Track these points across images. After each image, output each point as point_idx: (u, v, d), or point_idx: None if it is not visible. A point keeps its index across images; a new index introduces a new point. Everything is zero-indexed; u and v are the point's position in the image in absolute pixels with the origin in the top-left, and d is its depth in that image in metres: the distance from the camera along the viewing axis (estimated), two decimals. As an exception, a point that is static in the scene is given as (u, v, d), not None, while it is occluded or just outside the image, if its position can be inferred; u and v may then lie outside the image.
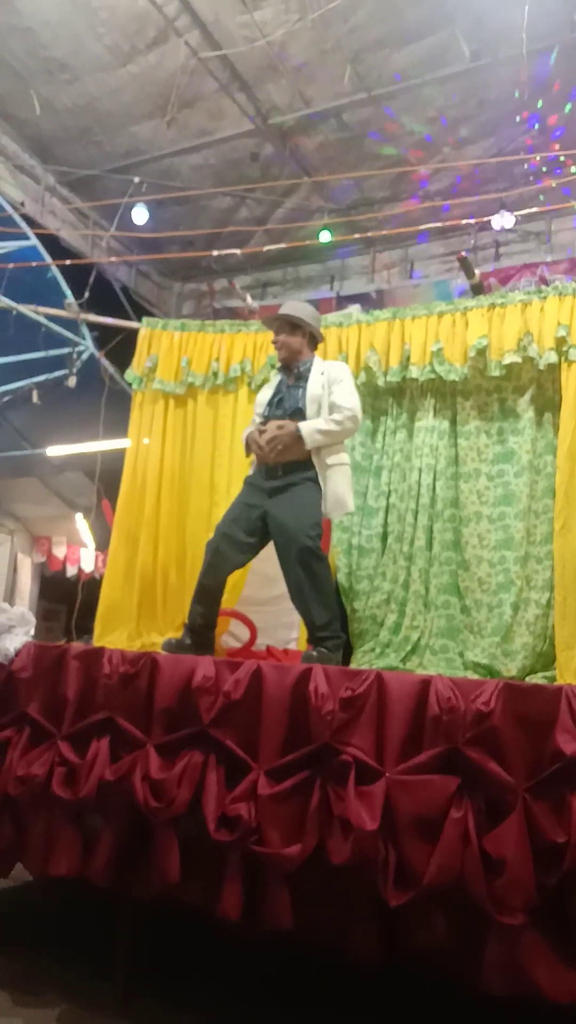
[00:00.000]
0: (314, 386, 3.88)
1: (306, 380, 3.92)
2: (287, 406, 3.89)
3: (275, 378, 4.09)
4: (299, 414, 3.83)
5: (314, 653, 3.55)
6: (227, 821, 2.75)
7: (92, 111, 5.59)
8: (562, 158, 5.21)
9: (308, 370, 3.95)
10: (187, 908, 2.89)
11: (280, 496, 3.79)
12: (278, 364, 4.06)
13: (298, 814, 2.69)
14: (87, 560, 8.21)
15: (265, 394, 4.03)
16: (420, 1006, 2.98)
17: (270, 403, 3.94)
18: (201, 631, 3.91)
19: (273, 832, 2.70)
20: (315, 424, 3.77)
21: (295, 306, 4.08)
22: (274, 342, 4.01)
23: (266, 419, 3.88)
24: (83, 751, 3.10)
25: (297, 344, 3.99)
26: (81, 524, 7.96)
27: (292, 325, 3.97)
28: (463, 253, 4.88)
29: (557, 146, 5.15)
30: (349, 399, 3.85)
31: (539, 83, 4.82)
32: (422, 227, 5.17)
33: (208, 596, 3.92)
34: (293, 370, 3.97)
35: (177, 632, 4.75)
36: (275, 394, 3.97)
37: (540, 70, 4.68)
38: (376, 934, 2.59)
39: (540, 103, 4.98)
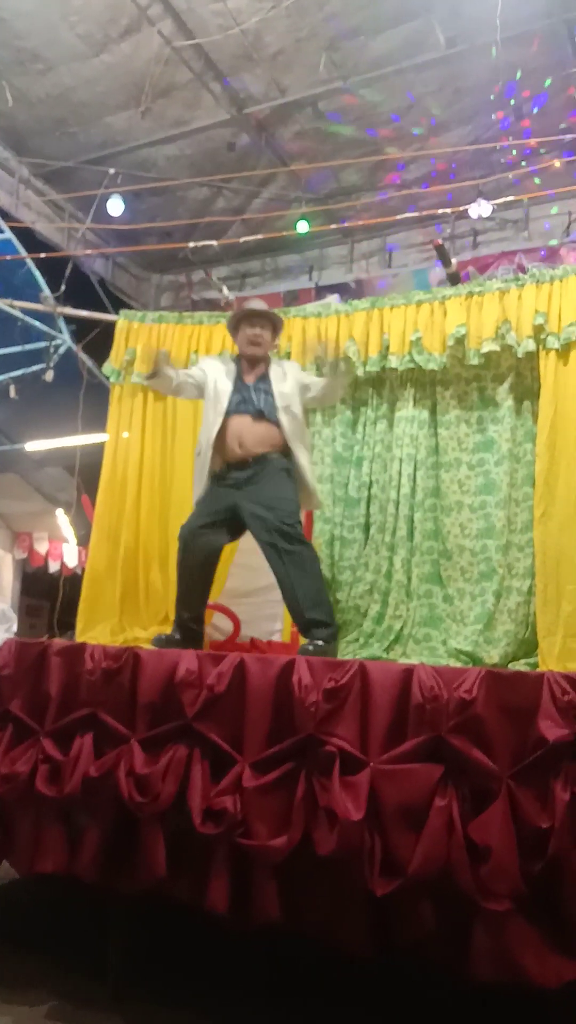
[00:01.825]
0: (281, 384, 3.93)
1: (268, 381, 3.95)
2: (256, 400, 3.88)
3: (219, 370, 4.01)
4: (272, 407, 3.87)
5: (310, 647, 3.53)
6: (213, 814, 2.75)
7: (66, 102, 5.52)
8: (542, 151, 5.21)
9: (271, 368, 4.00)
10: (176, 903, 2.89)
11: (251, 487, 3.79)
12: (237, 357, 4.04)
13: (283, 806, 2.70)
14: (69, 556, 8.17)
15: (221, 387, 3.93)
16: (411, 997, 2.99)
17: (233, 400, 3.88)
18: (190, 625, 3.90)
19: (259, 824, 2.70)
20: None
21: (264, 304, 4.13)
22: (256, 336, 3.95)
23: (228, 415, 3.85)
24: (67, 748, 3.09)
25: (271, 345, 4.06)
26: (62, 520, 7.91)
27: (274, 326, 4.03)
28: (439, 241, 4.87)
29: (533, 134, 5.15)
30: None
31: (513, 70, 4.81)
32: (399, 216, 5.15)
33: (192, 596, 3.91)
34: (255, 368, 3.98)
35: (160, 626, 4.75)
36: (235, 391, 3.91)
37: (514, 57, 4.67)
38: (365, 925, 2.60)
39: (515, 90, 4.97)
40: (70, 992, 3.07)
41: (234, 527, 3.89)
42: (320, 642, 3.56)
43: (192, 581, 3.90)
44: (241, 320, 4.03)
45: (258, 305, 4.12)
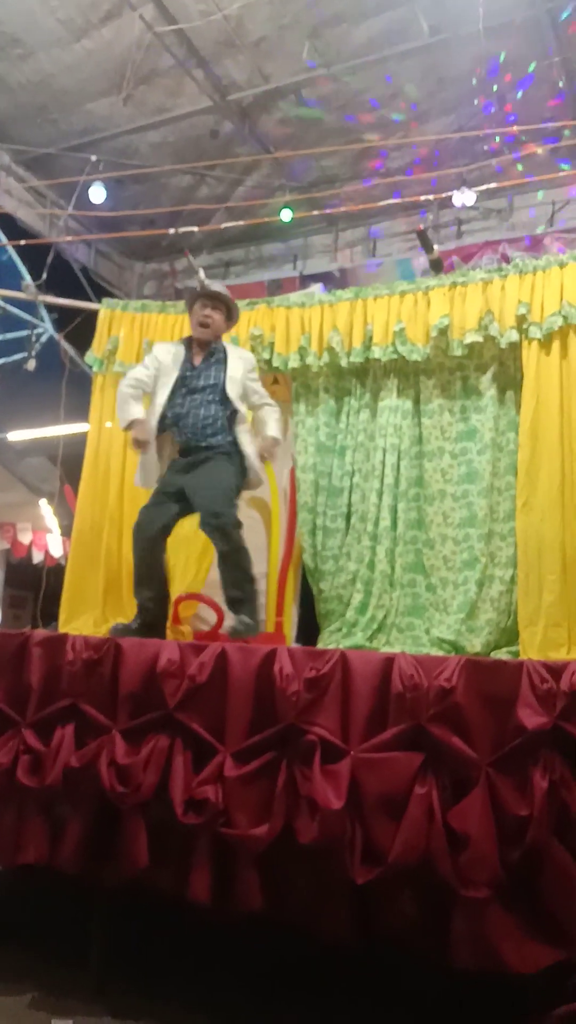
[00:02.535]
0: (235, 369, 3.97)
1: (221, 362, 3.98)
2: (203, 384, 3.91)
3: (168, 353, 4.03)
4: (220, 392, 3.90)
5: (238, 627, 3.65)
6: (194, 804, 2.75)
7: (47, 88, 5.45)
8: (523, 138, 5.20)
9: (222, 352, 4.02)
10: (158, 893, 2.89)
11: (196, 470, 3.87)
12: (188, 339, 4.06)
13: (265, 795, 2.70)
14: (54, 546, 8.13)
15: (168, 370, 3.95)
16: (395, 985, 3.01)
17: (179, 384, 3.92)
18: (152, 613, 3.92)
19: (240, 814, 2.71)
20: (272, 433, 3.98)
21: (225, 288, 4.14)
22: (206, 316, 3.96)
23: (171, 398, 3.90)
24: (48, 738, 3.09)
25: (223, 328, 4.09)
26: (46, 510, 7.87)
27: (227, 308, 4.05)
28: (421, 227, 4.86)
29: (516, 122, 5.13)
30: (264, 391, 4.12)
31: (497, 59, 4.79)
32: (382, 203, 5.12)
33: (150, 575, 3.93)
34: (205, 350, 4.00)
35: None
36: (181, 374, 3.93)
37: (497, 46, 4.65)
38: (347, 914, 2.62)
39: (498, 79, 4.95)
40: (53, 983, 3.07)
41: (185, 506, 3.94)
42: (244, 617, 3.70)
43: (152, 560, 3.93)
44: (194, 301, 4.05)
45: (217, 288, 4.14)
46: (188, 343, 4.06)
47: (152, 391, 3.99)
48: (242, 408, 3.96)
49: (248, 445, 3.94)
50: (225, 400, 3.91)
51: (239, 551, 3.79)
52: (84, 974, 3.07)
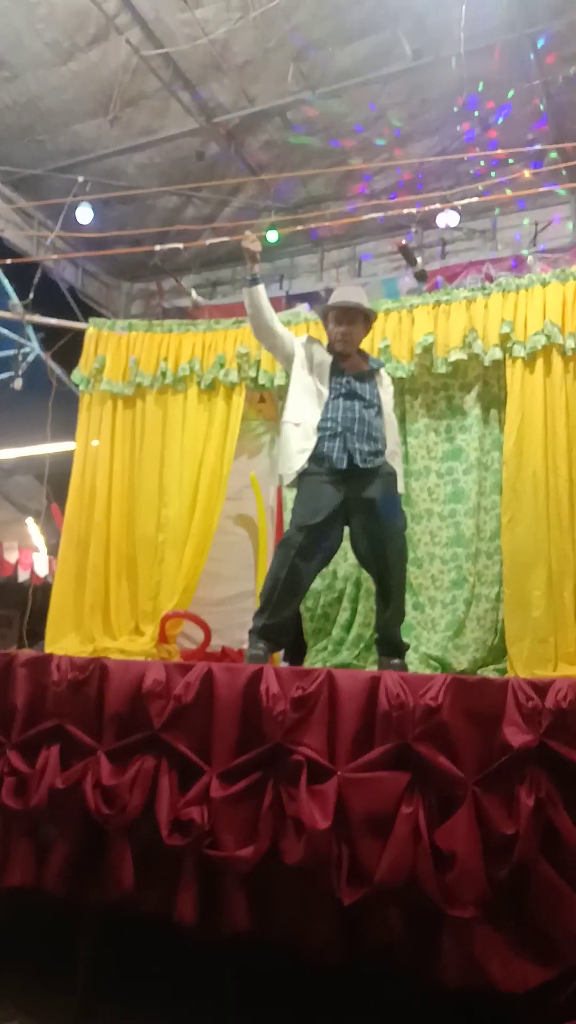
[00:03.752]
0: (388, 401, 3.82)
1: (374, 382, 3.78)
2: (367, 400, 3.68)
3: (320, 351, 3.78)
4: (380, 415, 3.72)
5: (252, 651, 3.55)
6: (180, 825, 2.74)
7: (33, 109, 5.49)
8: (510, 161, 5.27)
9: (375, 372, 3.83)
10: (144, 914, 2.87)
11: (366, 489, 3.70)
12: (328, 351, 3.79)
13: (251, 816, 2.69)
14: (40, 565, 8.09)
15: (319, 370, 3.70)
16: (380, 1005, 2.98)
17: (340, 393, 3.66)
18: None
19: (226, 835, 2.70)
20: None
21: (361, 295, 3.85)
22: (342, 333, 3.72)
23: (331, 402, 3.65)
24: (33, 760, 3.07)
25: (361, 337, 3.83)
26: (32, 528, 7.85)
27: (365, 317, 3.80)
28: (402, 241, 4.90)
29: (499, 144, 5.20)
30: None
31: (479, 82, 4.86)
32: (366, 216, 5.15)
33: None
34: (351, 359, 3.77)
35: (130, 636, 4.73)
36: (340, 377, 3.69)
37: (479, 69, 4.72)
38: (335, 932, 2.60)
39: (480, 100, 5.02)
40: (38, 1007, 3.03)
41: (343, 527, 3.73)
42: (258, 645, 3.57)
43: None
44: (327, 313, 3.83)
45: (346, 296, 3.82)
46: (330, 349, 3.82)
47: (288, 363, 3.79)
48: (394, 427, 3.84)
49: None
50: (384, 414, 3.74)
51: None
52: (70, 996, 3.04)
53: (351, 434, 3.60)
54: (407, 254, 4.82)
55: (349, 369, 3.75)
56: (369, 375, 3.79)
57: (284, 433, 3.74)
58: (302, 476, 3.63)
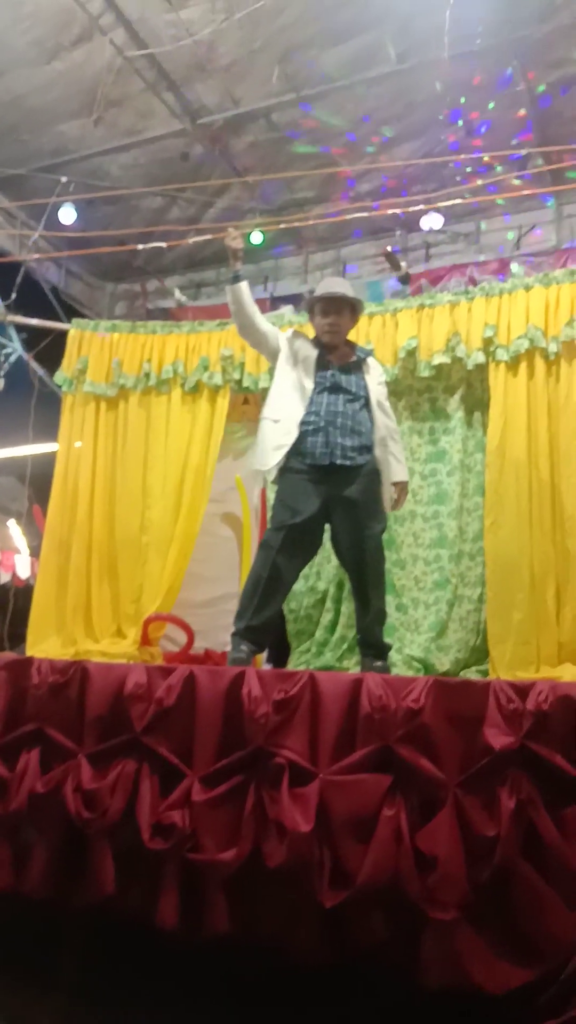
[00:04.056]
0: (376, 390, 3.73)
1: (361, 372, 3.72)
2: (353, 394, 3.63)
3: (305, 346, 3.73)
4: (366, 405, 3.66)
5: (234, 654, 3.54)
6: (161, 829, 2.73)
7: (17, 108, 5.45)
8: (497, 168, 5.30)
9: (363, 362, 3.76)
10: (126, 918, 2.85)
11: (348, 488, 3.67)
12: (315, 344, 3.74)
13: (233, 819, 2.69)
14: (21, 567, 8.03)
15: (304, 364, 3.65)
16: (366, 1004, 2.97)
17: (324, 386, 3.62)
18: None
19: (208, 838, 2.69)
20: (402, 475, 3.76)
21: (346, 285, 3.84)
22: (329, 324, 3.69)
23: (315, 397, 3.59)
24: (12, 763, 3.05)
25: (348, 328, 3.81)
26: (14, 530, 7.79)
27: (351, 308, 3.77)
28: (388, 248, 4.90)
29: (483, 147, 5.23)
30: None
31: (463, 86, 4.88)
32: (351, 216, 5.17)
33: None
34: (338, 351, 3.73)
35: (112, 638, 4.70)
36: (325, 371, 3.64)
37: (463, 73, 4.74)
38: (317, 936, 2.60)
39: (464, 103, 5.04)
40: (21, 1010, 3.00)
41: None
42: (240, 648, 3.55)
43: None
44: (312, 306, 3.81)
45: (332, 287, 3.83)
46: (317, 342, 3.78)
47: (273, 358, 3.76)
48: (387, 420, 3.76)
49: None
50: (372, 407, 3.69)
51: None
52: (52, 1000, 3.01)
53: (334, 428, 3.56)
54: (392, 260, 4.84)
55: (335, 361, 3.71)
56: (356, 366, 3.74)
57: (261, 429, 3.71)
58: (283, 473, 3.60)
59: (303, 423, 3.58)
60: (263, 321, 3.81)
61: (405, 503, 4.50)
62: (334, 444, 3.55)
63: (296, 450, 3.56)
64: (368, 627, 3.70)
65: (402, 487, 3.76)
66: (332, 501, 3.58)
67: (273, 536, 3.57)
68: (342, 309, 3.72)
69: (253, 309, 3.74)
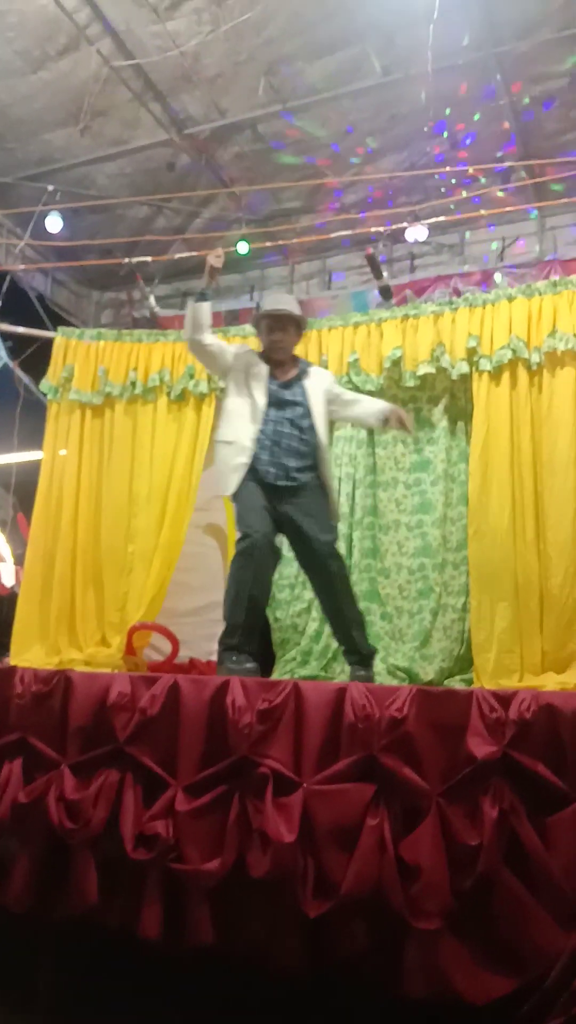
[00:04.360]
0: (316, 401, 3.77)
1: (303, 385, 3.79)
2: (297, 405, 3.72)
3: (256, 362, 3.80)
4: (308, 417, 3.73)
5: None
6: (145, 839, 2.72)
7: (3, 117, 5.45)
8: (482, 180, 5.35)
9: (304, 375, 3.83)
10: (108, 930, 2.83)
11: (297, 500, 3.75)
12: (263, 360, 3.81)
13: (217, 829, 2.68)
14: (6, 575, 8.00)
15: (256, 390, 3.71)
16: (346, 1019, 2.96)
17: (272, 402, 3.70)
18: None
19: (192, 848, 2.68)
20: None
21: (292, 302, 3.92)
22: (278, 343, 3.77)
23: (266, 418, 3.68)
24: (-5, 774, 3.02)
25: (293, 344, 3.88)
26: (-2, 538, 7.76)
27: (296, 324, 3.84)
28: (370, 250, 4.91)
29: (467, 160, 5.28)
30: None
31: (447, 99, 4.93)
32: (335, 233, 5.21)
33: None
34: (285, 367, 3.81)
35: (97, 647, 4.69)
36: (270, 396, 3.72)
37: (447, 87, 4.79)
38: (299, 945, 2.59)
39: (448, 116, 5.09)
40: (-1, 1024, 2.97)
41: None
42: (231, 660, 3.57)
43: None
44: (259, 322, 3.88)
45: (278, 303, 3.90)
46: (264, 356, 3.85)
47: (223, 376, 3.84)
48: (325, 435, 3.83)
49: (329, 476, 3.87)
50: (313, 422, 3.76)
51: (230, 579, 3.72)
52: (31, 1015, 2.98)
53: (279, 448, 3.66)
54: (373, 264, 4.86)
55: (280, 376, 3.79)
56: (297, 378, 3.80)
57: (218, 452, 3.79)
58: (238, 489, 3.67)
59: (256, 440, 3.66)
60: (215, 339, 3.88)
61: (390, 512, 4.55)
62: (279, 465, 3.65)
63: (250, 466, 3.64)
64: (346, 635, 3.72)
65: (394, 411, 3.81)
66: (281, 518, 3.67)
67: (242, 546, 3.62)
68: (287, 326, 3.79)
69: (208, 329, 3.80)
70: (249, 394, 3.72)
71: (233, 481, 3.63)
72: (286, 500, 3.65)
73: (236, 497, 3.68)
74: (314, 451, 3.73)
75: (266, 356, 3.83)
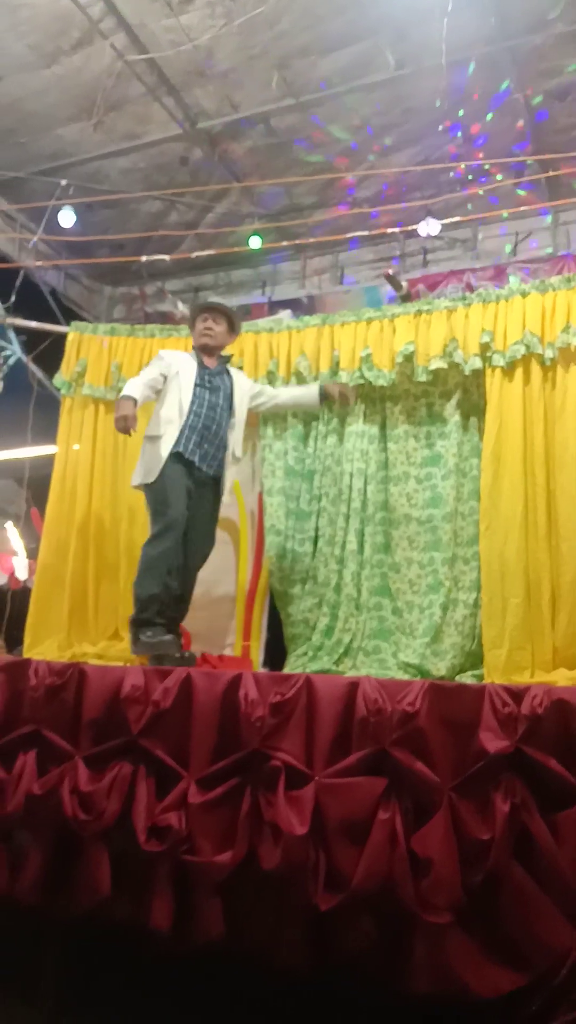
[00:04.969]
0: (240, 395, 4.19)
1: (227, 377, 4.18)
2: (222, 393, 4.10)
3: (181, 358, 4.14)
4: (229, 404, 4.13)
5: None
6: (157, 832, 2.74)
7: (16, 112, 5.47)
8: (488, 168, 5.32)
9: (225, 367, 4.23)
10: (117, 922, 2.85)
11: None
12: (195, 348, 4.20)
13: (229, 822, 2.70)
14: (19, 569, 8.04)
15: (185, 375, 4.04)
16: (351, 1017, 2.97)
17: (204, 386, 4.06)
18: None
19: (204, 841, 2.70)
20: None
21: (227, 304, 4.35)
22: (208, 330, 4.15)
23: (194, 396, 4.00)
24: (9, 765, 3.05)
25: (226, 338, 4.26)
26: (12, 532, 7.79)
27: (230, 322, 4.24)
28: (388, 271, 4.98)
29: (481, 154, 5.26)
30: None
31: (460, 93, 4.91)
32: (350, 235, 5.21)
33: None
34: (213, 357, 4.18)
35: (110, 641, 4.71)
36: (198, 379, 4.06)
37: (460, 81, 4.77)
38: (307, 940, 2.61)
39: (462, 112, 5.07)
40: (5, 1018, 2.99)
41: None
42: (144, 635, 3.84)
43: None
44: (196, 316, 4.26)
45: (216, 300, 4.38)
46: (196, 353, 4.22)
47: (163, 388, 4.07)
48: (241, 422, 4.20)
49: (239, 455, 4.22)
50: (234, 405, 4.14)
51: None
52: (37, 1009, 3.01)
53: (208, 433, 4.01)
54: (394, 282, 4.95)
55: (208, 364, 4.15)
56: (224, 370, 4.20)
57: (144, 447, 4.02)
58: (161, 470, 3.91)
59: (184, 425, 3.96)
60: (152, 382, 4.05)
61: (401, 507, 4.55)
62: (203, 450, 3.99)
63: (176, 452, 3.92)
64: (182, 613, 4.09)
65: (330, 384, 4.36)
66: (190, 499, 3.95)
67: (156, 531, 3.91)
68: (219, 318, 4.21)
69: (148, 393, 4.02)
70: (177, 390, 4.01)
71: (157, 469, 3.88)
72: (197, 485, 3.97)
73: (160, 479, 3.89)
74: (226, 446, 4.09)
75: (197, 346, 4.20)
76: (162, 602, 3.84)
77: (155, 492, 3.93)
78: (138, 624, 3.85)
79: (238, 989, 3.08)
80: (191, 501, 3.94)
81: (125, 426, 3.81)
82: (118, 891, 2.80)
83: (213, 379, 4.10)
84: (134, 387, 3.93)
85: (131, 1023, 2.99)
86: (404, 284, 4.93)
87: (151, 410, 4.15)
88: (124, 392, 3.93)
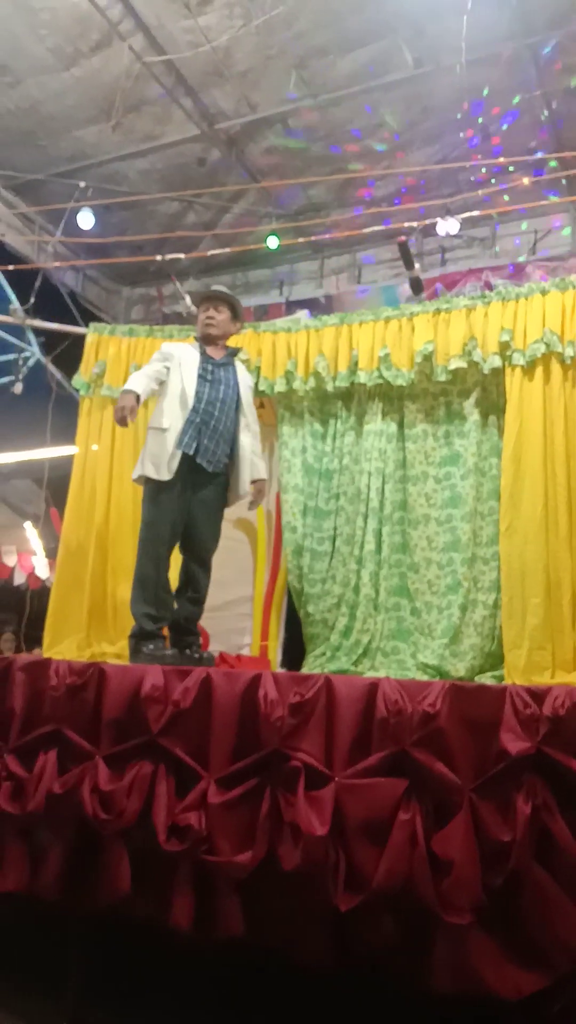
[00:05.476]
0: (245, 389, 4.08)
1: (232, 370, 4.06)
2: (224, 389, 3.96)
3: (185, 350, 4.04)
4: (236, 398, 4.01)
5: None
6: (177, 831, 2.73)
7: (35, 114, 5.52)
8: (511, 169, 5.30)
9: (232, 359, 4.10)
10: (138, 920, 2.86)
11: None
12: (198, 338, 4.09)
13: (248, 821, 2.69)
14: (39, 568, 8.09)
15: (187, 366, 3.94)
16: (373, 1013, 2.97)
17: (206, 379, 3.93)
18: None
19: (224, 840, 2.69)
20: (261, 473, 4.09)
21: (229, 292, 4.23)
22: (210, 319, 4.04)
23: (199, 395, 3.89)
24: (30, 764, 3.06)
25: (230, 327, 4.12)
26: (31, 532, 7.85)
27: (234, 310, 4.11)
28: (403, 238, 4.89)
29: (500, 152, 5.24)
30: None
31: (478, 91, 4.89)
32: (367, 230, 5.20)
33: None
34: (217, 347, 4.06)
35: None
36: (205, 363, 3.95)
37: (481, 79, 4.75)
38: (326, 938, 2.60)
39: (481, 110, 5.06)
40: (29, 1014, 3.01)
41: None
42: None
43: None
44: (199, 305, 4.17)
45: (219, 288, 4.24)
46: (199, 344, 4.09)
47: (166, 379, 3.99)
48: (250, 414, 4.09)
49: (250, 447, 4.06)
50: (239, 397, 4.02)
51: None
52: (60, 1004, 3.02)
53: (207, 428, 3.89)
54: (405, 253, 4.83)
55: (212, 355, 4.03)
56: (229, 362, 4.07)
57: (150, 438, 3.93)
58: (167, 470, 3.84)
59: (187, 422, 3.86)
60: (155, 373, 3.99)
61: (420, 507, 4.53)
62: (203, 444, 3.87)
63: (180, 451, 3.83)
64: (192, 617, 4.05)
65: (260, 485, 4.09)
66: (191, 502, 3.90)
67: (148, 536, 3.90)
68: (221, 306, 4.08)
69: (151, 385, 3.95)
70: (181, 382, 3.91)
71: (173, 466, 3.79)
72: (198, 483, 3.89)
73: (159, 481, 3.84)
74: (233, 441, 3.98)
75: (200, 336, 4.09)
76: (157, 615, 3.85)
77: (151, 495, 3.91)
78: (138, 638, 3.84)
79: (259, 986, 3.09)
80: (191, 496, 3.88)
81: (123, 417, 3.78)
82: (138, 889, 2.80)
83: (216, 371, 3.97)
84: (136, 381, 3.91)
85: (154, 1019, 2.99)
86: (417, 266, 4.87)
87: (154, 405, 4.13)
88: (126, 385, 3.91)
